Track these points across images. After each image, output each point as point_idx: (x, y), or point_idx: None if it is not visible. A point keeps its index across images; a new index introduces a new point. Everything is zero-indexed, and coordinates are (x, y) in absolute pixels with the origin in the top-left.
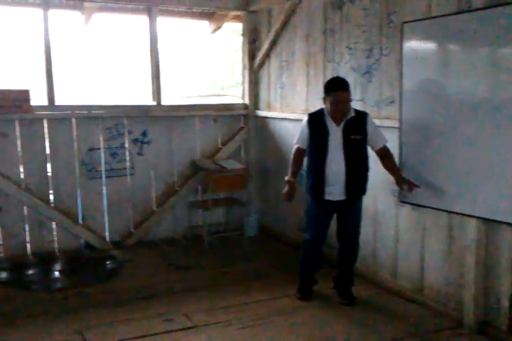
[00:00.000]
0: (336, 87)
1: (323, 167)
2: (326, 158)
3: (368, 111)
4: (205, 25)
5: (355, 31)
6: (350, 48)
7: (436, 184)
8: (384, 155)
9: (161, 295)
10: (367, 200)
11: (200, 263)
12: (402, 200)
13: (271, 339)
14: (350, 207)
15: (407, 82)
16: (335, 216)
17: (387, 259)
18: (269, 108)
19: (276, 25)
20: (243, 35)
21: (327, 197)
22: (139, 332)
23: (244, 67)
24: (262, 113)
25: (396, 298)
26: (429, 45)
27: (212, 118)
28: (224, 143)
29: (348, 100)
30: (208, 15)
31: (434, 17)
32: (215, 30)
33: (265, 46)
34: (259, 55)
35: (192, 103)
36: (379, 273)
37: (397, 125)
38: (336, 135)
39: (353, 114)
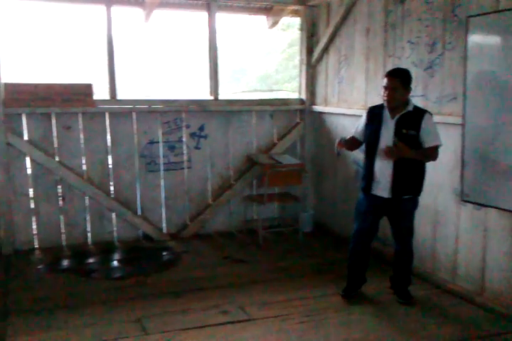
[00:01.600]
0: (387, 74)
1: (372, 160)
2: (376, 150)
3: (429, 107)
4: (262, 20)
5: (418, 25)
6: (412, 43)
7: (501, 183)
8: (428, 155)
9: (218, 287)
10: (426, 199)
11: (255, 257)
12: (464, 199)
13: (326, 335)
14: (400, 208)
15: (471, 78)
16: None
17: (447, 259)
18: (326, 103)
19: (335, 20)
20: (301, 29)
21: (374, 191)
22: (196, 322)
23: (301, 62)
24: (318, 108)
25: (455, 298)
26: (496, 40)
27: (269, 113)
28: (280, 138)
29: (396, 88)
30: (266, 10)
31: (502, 10)
32: (272, 25)
33: (323, 40)
34: (317, 50)
35: (249, 98)
36: (438, 273)
37: (460, 122)
38: (388, 127)
39: (410, 108)
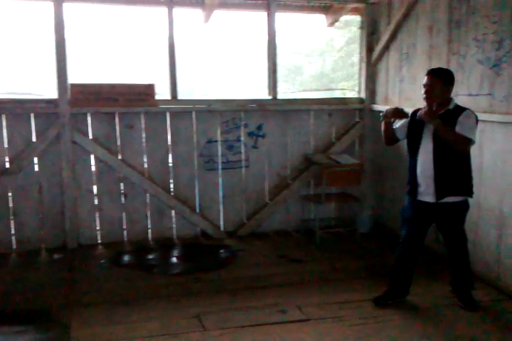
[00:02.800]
0: (427, 72)
1: (415, 161)
2: (418, 151)
3: (495, 106)
4: (320, 18)
5: (484, 22)
6: (478, 40)
7: None
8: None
9: (275, 285)
10: (490, 201)
11: (312, 257)
12: None
13: (384, 338)
14: (449, 213)
15: None
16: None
17: None
18: (386, 102)
19: (396, 17)
20: (361, 27)
21: (419, 196)
22: (254, 320)
23: (361, 60)
24: (378, 107)
25: None
26: None
27: (327, 113)
28: (338, 138)
29: (435, 86)
30: (325, 9)
31: None
32: (331, 24)
33: (384, 38)
34: (378, 48)
35: (307, 97)
36: (503, 278)
37: None
38: (429, 127)
39: (451, 107)
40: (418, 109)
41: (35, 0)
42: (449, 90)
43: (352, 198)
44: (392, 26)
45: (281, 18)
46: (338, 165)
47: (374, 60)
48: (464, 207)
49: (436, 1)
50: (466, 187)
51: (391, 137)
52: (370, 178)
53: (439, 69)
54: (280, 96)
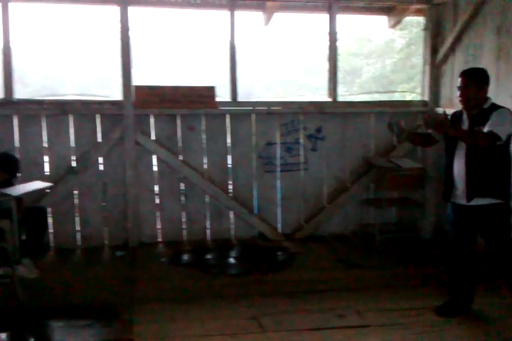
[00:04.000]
0: (460, 73)
1: (452, 163)
2: (454, 154)
3: None
4: (382, 20)
5: None
6: None
7: None
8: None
9: (333, 290)
10: None
11: (371, 262)
12: None
13: None
14: (486, 217)
15: None
16: None
17: None
18: (451, 105)
19: (462, 18)
20: (425, 29)
21: (454, 199)
22: (312, 324)
23: (424, 62)
24: (442, 110)
25: None
26: None
27: (389, 115)
28: (400, 141)
29: (468, 87)
30: (388, 10)
31: None
32: (393, 25)
33: (449, 40)
34: (442, 50)
35: (368, 99)
36: None
37: None
38: (465, 127)
39: (486, 106)
40: (456, 111)
41: (101, 4)
42: (484, 90)
43: (414, 203)
44: (458, 27)
45: (341, 19)
46: (399, 169)
47: (438, 61)
48: (503, 210)
49: (506, 1)
50: (498, 188)
51: (429, 143)
52: (433, 183)
53: (472, 69)
54: (340, 98)
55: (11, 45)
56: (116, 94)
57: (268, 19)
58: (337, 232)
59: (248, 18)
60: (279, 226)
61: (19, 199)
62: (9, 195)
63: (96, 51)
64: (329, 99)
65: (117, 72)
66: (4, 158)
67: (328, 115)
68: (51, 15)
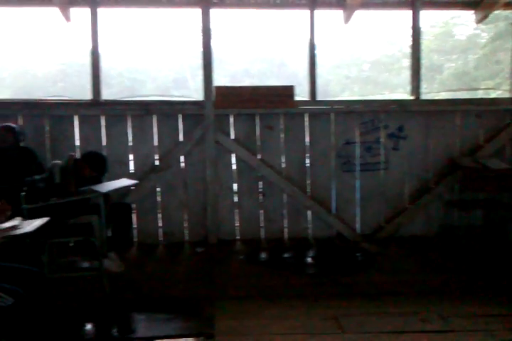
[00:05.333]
0: None
1: None
2: None
3: None
4: (468, 15)
5: None
6: None
7: None
8: None
9: (415, 293)
10: None
11: (455, 266)
12: None
13: None
14: None
15: None
16: None
17: None
18: None
19: None
20: None
21: None
22: (393, 327)
23: None
24: None
25: None
26: None
27: (475, 114)
28: (487, 141)
29: None
30: (475, 4)
31: None
32: (480, 20)
33: None
34: None
35: (449, 97)
36: None
37: None
38: None
39: None
40: None
41: (182, 7)
42: None
43: (502, 205)
44: None
45: (424, 15)
46: (486, 169)
47: None
48: None
49: None
50: None
51: None
52: None
53: None
54: (424, 96)
55: (99, 48)
56: (193, 94)
57: (348, 17)
58: (419, 234)
59: (328, 17)
60: (357, 226)
61: (107, 195)
62: (98, 192)
63: (174, 53)
64: (411, 97)
65: (195, 72)
66: (94, 157)
67: (410, 113)
68: (131, 19)
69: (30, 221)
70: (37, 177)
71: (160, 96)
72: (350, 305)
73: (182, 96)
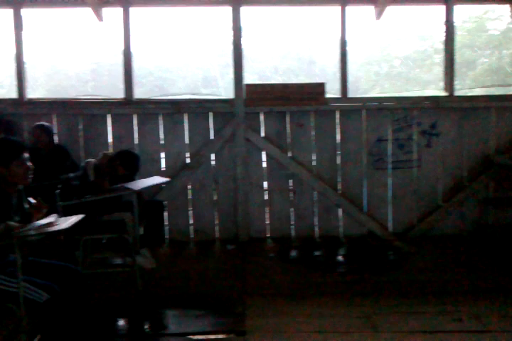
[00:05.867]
0: None
1: None
2: None
3: None
4: (504, 8)
5: None
6: None
7: None
8: None
9: (449, 292)
10: None
11: (490, 265)
12: None
13: None
14: None
15: None
16: None
17: None
18: None
19: None
20: None
21: None
22: (427, 326)
23: None
24: None
25: None
26: None
27: (510, 110)
28: None
29: None
30: None
31: None
32: None
33: None
34: None
35: (482, 93)
36: None
37: None
38: None
39: None
40: None
41: (213, 5)
42: None
43: None
44: None
45: (457, 10)
46: None
47: None
48: None
49: None
50: None
51: None
52: None
53: None
54: (459, 92)
55: (131, 48)
56: (222, 92)
57: (380, 13)
58: (452, 233)
59: (359, 13)
60: (389, 224)
61: (139, 193)
62: (131, 189)
63: (204, 51)
64: (445, 94)
65: (224, 71)
66: (127, 156)
67: (444, 110)
68: (161, 18)
69: (66, 218)
70: (71, 175)
71: (189, 94)
72: (382, 303)
73: (211, 95)
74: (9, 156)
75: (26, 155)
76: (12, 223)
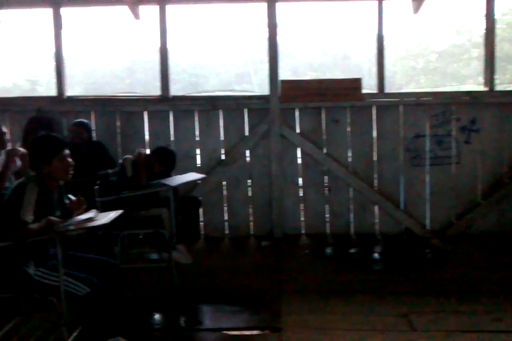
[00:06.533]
0: None
1: None
2: None
3: None
4: None
5: None
6: None
7: None
8: None
9: (488, 291)
10: None
11: None
12: None
13: None
14: None
15: None
16: None
17: None
18: None
19: None
20: None
21: None
22: (466, 326)
23: None
24: None
25: None
26: None
27: None
28: None
29: None
30: None
31: None
32: None
33: None
34: None
35: None
36: None
37: None
38: None
39: None
40: None
41: (248, 2)
42: None
43: None
44: None
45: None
46: None
47: None
48: None
49: None
50: None
51: None
52: None
53: None
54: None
55: (168, 45)
56: (255, 88)
57: (418, 6)
58: (492, 231)
59: (396, 7)
60: (427, 222)
61: (175, 189)
62: (168, 185)
63: (237, 47)
64: (484, 89)
65: (257, 67)
66: (163, 152)
67: (483, 105)
68: (193, 15)
69: (105, 213)
70: (110, 171)
71: (222, 91)
72: (420, 302)
73: (244, 91)
74: (51, 153)
75: (67, 151)
76: (53, 218)
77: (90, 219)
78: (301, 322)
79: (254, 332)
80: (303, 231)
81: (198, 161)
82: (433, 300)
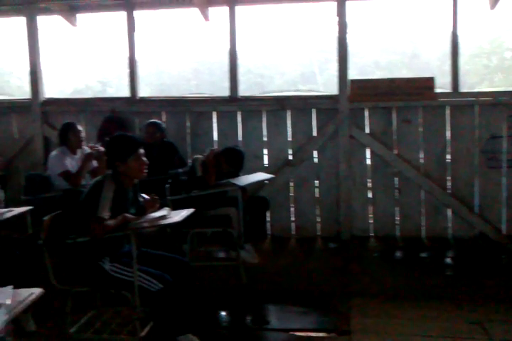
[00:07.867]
0: None
1: None
2: None
3: None
4: None
5: None
6: None
7: None
8: None
9: None
10: None
11: None
12: None
13: None
14: None
15: None
16: None
17: None
18: None
19: None
20: None
21: None
22: None
23: None
24: None
25: None
26: None
27: None
28: None
29: None
30: None
31: None
32: None
33: None
34: None
35: None
36: None
37: None
38: None
39: None
40: None
41: (318, 1)
42: None
43: None
44: None
45: None
46: None
47: None
48: None
49: None
50: None
51: None
52: None
53: None
54: None
55: (237, 47)
56: (320, 88)
57: (495, 2)
58: None
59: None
60: (503, 227)
61: (244, 189)
62: (236, 185)
63: (302, 47)
64: None
65: (323, 66)
66: (232, 153)
67: None
68: (260, 15)
69: (177, 211)
70: (180, 170)
71: (288, 91)
72: (495, 309)
73: (310, 91)
74: (127, 152)
75: (142, 150)
76: (129, 215)
77: (163, 217)
78: (369, 326)
79: (321, 335)
80: (371, 234)
81: (266, 161)
82: (507, 307)
